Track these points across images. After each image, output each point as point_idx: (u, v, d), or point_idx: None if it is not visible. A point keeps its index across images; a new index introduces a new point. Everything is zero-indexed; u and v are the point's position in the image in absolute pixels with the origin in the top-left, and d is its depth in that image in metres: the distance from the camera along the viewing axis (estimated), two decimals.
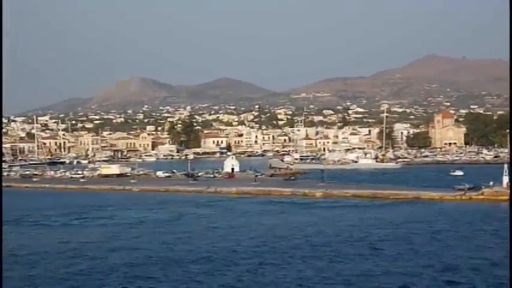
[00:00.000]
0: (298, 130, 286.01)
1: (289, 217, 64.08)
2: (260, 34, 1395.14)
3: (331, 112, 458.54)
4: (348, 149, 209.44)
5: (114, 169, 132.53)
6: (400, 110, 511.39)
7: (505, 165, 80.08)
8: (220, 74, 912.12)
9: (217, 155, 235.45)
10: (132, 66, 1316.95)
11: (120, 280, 36.48)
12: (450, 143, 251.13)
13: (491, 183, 78.92)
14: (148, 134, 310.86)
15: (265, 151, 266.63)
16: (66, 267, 40.21)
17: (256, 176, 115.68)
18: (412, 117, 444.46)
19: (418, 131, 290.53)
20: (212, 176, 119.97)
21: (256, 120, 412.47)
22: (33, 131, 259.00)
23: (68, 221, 64.13)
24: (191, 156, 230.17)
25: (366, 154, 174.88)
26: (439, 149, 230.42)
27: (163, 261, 41.33)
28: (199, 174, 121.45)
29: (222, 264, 40.31)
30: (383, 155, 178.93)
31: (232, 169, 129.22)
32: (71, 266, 40.51)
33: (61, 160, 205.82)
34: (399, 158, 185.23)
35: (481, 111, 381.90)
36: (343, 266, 39.17)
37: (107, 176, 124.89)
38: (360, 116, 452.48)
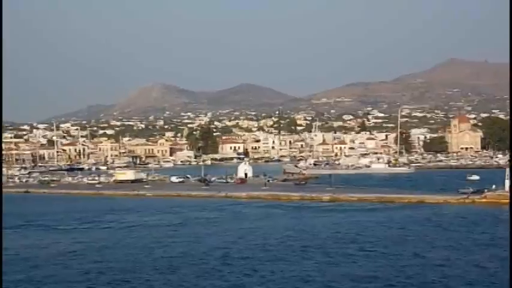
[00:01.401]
0: (315, 135, 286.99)
1: (287, 220, 65.63)
2: (281, 39, 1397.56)
3: (351, 117, 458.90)
4: (364, 154, 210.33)
5: (129, 175, 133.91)
6: (421, 114, 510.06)
7: (507, 169, 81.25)
8: (241, 80, 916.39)
9: (235, 160, 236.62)
10: (154, 72, 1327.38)
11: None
12: (466, 148, 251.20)
13: (493, 186, 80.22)
14: (167, 140, 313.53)
15: (282, 156, 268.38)
16: (63, 268, 42.18)
17: (268, 181, 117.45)
18: (432, 121, 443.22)
19: (435, 135, 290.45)
20: (225, 181, 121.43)
21: (275, 126, 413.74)
22: (54, 137, 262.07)
23: (78, 224, 65.92)
24: (208, 162, 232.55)
25: (378, 159, 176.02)
26: (455, 154, 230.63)
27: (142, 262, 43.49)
28: (212, 179, 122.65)
29: (190, 263, 42.50)
30: (395, 160, 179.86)
31: (246, 174, 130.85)
32: (66, 268, 42.41)
33: (80, 166, 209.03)
34: (412, 162, 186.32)
35: (503, 115, 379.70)
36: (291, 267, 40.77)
37: (122, 181, 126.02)
38: (380, 121, 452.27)
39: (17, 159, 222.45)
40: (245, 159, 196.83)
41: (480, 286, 35.08)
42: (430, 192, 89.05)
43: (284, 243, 50.02)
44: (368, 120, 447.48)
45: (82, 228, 63.77)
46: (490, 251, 45.45)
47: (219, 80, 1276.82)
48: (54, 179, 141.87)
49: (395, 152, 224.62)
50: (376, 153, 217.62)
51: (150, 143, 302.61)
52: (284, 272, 39.28)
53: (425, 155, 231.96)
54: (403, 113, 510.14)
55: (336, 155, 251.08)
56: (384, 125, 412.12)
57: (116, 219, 69.89)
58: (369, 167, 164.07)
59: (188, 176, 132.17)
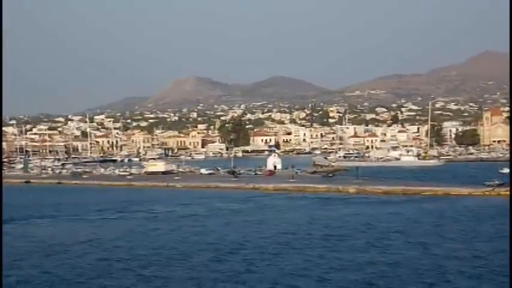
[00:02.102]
0: (347, 128, 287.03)
1: (308, 212, 66.09)
2: (315, 32, 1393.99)
3: (384, 110, 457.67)
4: (395, 147, 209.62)
5: (160, 166, 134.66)
6: (455, 107, 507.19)
7: None
8: (274, 72, 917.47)
9: (266, 153, 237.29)
10: (188, 65, 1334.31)
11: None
12: (499, 141, 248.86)
13: None
14: (199, 133, 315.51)
15: (313, 149, 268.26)
16: (79, 257, 43.25)
17: (296, 173, 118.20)
18: (466, 114, 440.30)
19: (468, 128, 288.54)
20: (253, 173, 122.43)
21: (308, 118, 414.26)
22: (88, 129, 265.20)
23: (105, 215, 67.17)
24: (240, 154, 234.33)
25: (408, 151, 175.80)
26: (486, 147, 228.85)
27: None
28: (241, 171, 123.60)
29: (203, 251, 43.83)
30: (425, 153, 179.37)
31: (275, 166, 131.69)
32: (80, 256, 43.33)
33: (113, 158, 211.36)
34: (443, 155, 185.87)
35: None
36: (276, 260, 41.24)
37: (153, 173, 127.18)
38: (413, 113, 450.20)
39: (50, 151, 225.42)
40: (275, 151, 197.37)
41: (475, 278, 35.49)
42: (455, 184, 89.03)
43: (297, 234, 50.82)
44: (401, 113, 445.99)
45: (107, 218, 65.13)
46: (495, 243, 45.69)
47: (253, 73, 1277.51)
48: (87, 170, 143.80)
49: (427, 145, 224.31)
50: (407, 146, 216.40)
51: (182, 135, 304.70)
52: (290, 260, 40.36)
53: (456, 147, 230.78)
54: (437, 106, 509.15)
55: (367, 147, 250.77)
56: (418, 117, 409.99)
57: (142, 209, 71.07)
58: (398, 159, 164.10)
59: (218, 168, 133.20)
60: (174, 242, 47.76)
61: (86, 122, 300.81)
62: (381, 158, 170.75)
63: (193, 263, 40.10)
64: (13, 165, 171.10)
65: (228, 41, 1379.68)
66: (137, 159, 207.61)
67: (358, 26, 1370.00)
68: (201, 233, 52.58)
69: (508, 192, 76.12)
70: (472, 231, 51.70)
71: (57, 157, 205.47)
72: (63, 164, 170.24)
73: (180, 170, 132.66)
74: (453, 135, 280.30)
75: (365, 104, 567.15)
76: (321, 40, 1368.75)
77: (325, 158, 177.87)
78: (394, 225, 54.81)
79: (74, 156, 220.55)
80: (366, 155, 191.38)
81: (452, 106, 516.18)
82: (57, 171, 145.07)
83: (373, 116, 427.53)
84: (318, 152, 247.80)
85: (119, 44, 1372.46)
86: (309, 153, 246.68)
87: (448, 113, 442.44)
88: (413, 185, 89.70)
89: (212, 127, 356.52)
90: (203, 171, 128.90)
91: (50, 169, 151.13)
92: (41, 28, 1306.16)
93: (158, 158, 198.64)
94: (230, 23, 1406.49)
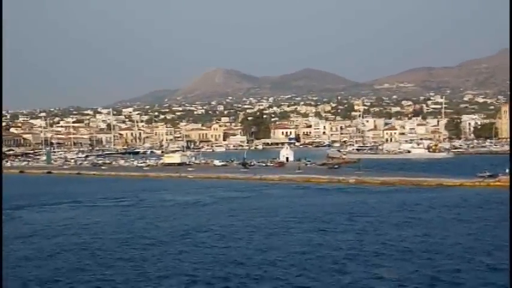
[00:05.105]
0: (367, 121, 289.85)
1: (299, 200, 70.31)
2: (345, 24, 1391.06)
3: (410, 103, 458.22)
4: (412, 140, 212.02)
5: (175, 158, 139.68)
6: (482, 100, 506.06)
7: None
8: (304, 65, 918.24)
9: (286, 145, 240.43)
10: (218, 57, 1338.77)
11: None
12: None
13: (506, 170, 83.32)
14: (221, 126, 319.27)
15: (333, 142, 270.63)
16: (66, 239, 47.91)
17: (306, 164, 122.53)
18: (492, 107, 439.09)
19: (487, 121, 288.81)
20: (264, 164, 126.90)
21: (333, 111, 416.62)
22: (113, 122, 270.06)
23: (110, 202, 71.69)
24: (260, 147, 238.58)
25: (418, 144, 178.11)
26: (503, 140, 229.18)
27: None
28: (253, 163, 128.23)
29: (185, 237, 47.08)
30: (435, 145, 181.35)
31: (287, 158, 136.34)
32: (69, 239, 47.86)
33: (135, 150, 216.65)
34: (456, 148, 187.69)
35: None
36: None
37: (169, 164, 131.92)
38: (439, 106, 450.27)
39: (75, 143, 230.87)
40: (295, 144, 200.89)
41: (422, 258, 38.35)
42: (450, 175, 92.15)
43: (283, 220, 54.60)
44: (427, 106, 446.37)
45: (102, 205, 69.90)
46: (460, 227, 49.28)
47: (282, 65, 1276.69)
48: (107, 161, 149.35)
49: (446, 138, 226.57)
50: (422, 139, 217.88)
51: (204, 128, 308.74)
52: (265, 242, 44.14)
53: (474, 140, 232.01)
54: (465, 99, 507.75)
55: (386, 140, 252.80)
56: (444, 110, 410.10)
57: (146, 197, 75.73)
58: (409, 152, 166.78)
59: (233, 159, 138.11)
60: (161, 228, 51.58)
61: (114, 114, 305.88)
62: (392, 151, 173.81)
63: (169, 247, 43.42)
64: (38, 156, 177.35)
65: (258, 34, 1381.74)
66: (159, 151, 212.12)
67: (387, 20, 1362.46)
68: (193, 219, 56.43)
69: (497, 183, 79.92)
70: (445, 219, 54.05)
71: (81, 149, 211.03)
72: (86, 156, 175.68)
73: (195, 161, 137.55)
74: (472, 129, 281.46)
75: (393, 96, 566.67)
76: (350, 33, 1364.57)
77: (338, 150, 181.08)
78: (368, 213, 58.32)
79: (97, 148, 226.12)
80: (380, 147, 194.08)
81: (480, 99, 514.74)
82: (79, 163, 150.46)
83: (399, 109, 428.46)
84: (337, 144, 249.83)
85: (148, 43, 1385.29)
86: (328, 146, 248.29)
87: (473, 106, 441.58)
88: (410, 176, 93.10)
89: (236, 120, 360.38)
90: (216, 162, 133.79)
91: (72, 160, 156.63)
92: (80, 34, 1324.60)
93: (179, 150, 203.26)
94: (258, 16, 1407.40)
